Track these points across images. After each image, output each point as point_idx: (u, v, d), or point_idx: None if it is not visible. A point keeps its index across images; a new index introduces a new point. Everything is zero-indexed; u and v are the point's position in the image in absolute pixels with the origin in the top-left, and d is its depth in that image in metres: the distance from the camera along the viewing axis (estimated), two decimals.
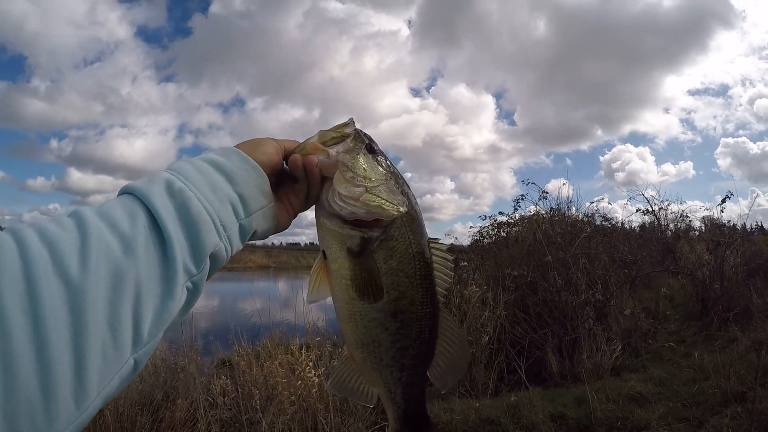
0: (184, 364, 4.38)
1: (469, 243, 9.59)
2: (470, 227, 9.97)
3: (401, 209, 0.77)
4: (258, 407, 3.25)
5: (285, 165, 0.79)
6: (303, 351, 4.01)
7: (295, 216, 0.83)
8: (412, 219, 0.79)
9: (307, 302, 0.84)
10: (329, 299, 0.84)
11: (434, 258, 0.83)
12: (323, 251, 0.80)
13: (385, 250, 0.77)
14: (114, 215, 0.56)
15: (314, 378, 3.38)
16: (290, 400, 3.31)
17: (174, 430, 3.21)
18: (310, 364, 3.57)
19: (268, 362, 3.87)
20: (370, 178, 0.76)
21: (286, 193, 0.80)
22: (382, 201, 0.76)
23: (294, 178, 0.79)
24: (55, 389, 0.43)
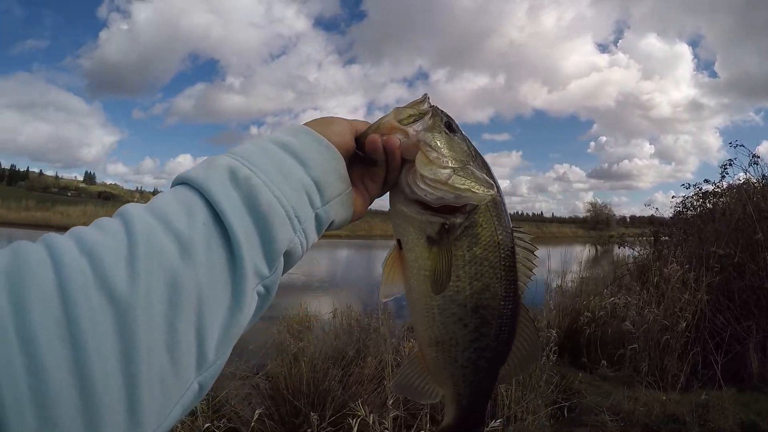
0: (377, 325, 4.74)
1: (671, 215, 8.60)
2: (672, 197, 8.76)
3: (491, 192, 0.72)
4: None
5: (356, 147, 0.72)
6: None
7: (371, 203, 0.76)
8: (497, 204, 0.73)
9: (381, 297, 0.77)
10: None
11: (517, 249, 0.77)
12: (398, 240, 0.75)
13: (469, 237, 0.71)
14: (167, 211, 0.48)
15: None
16: None
17: (361, 385, 3.50)
18: None
19: None
20: (455, 159, 0.71)
21: (360, 177, 0.73)
22: (472, 184, 0.70)
23: (370, 160, 0.71)
24: (103, 428, 0.37)
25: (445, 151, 0.71)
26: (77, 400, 0.36)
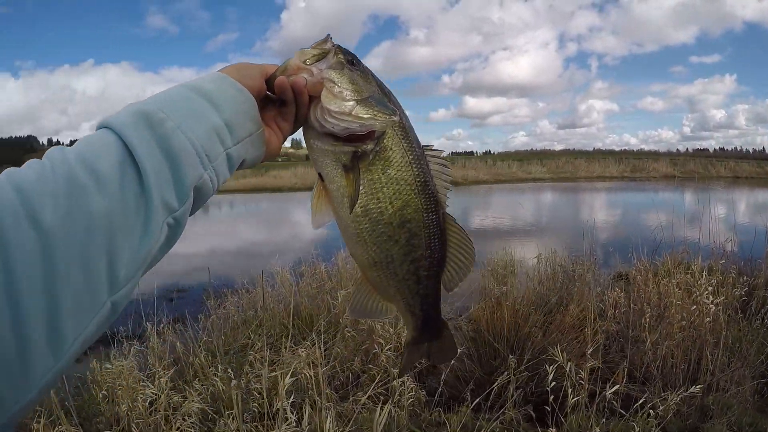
0: (582, 272, 4.57)
1: None
2: None
3: (394, 118, 0.77)
4: (646, 326, 3.23)
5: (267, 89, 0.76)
6: (704, 274, 3.60)
7: (285, 140, 0.81)
8: (404, 127, 0.79)
9: (313, 227, 0.81)
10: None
11: (432, 165, 0.83)
12: (319, 173, 0.79)
13: (381, 161, 0.77)
14: (87, 152, 0.53)
15: (711, 306, 3.07)
16: (680, 324, 3.15)
17: (562, 333, 3.44)
18: (710, 288, 3.22)
19: (665, 280, 3.68)
20: (357, 91, 0.75)
21: (272, 117, 0.78)
22: (374, 112, 0.75)
23: (280, 101, 0.76)
24: (29, 339, 0.43)
25: (347, 84, 0.74)
26: (7, 311, 0.42)
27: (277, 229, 15.73)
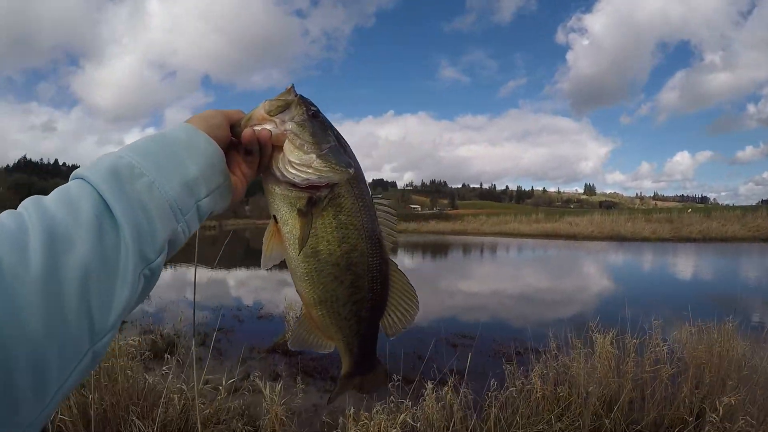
0: None
1: None
2: None
3: (350, 171, 0.82)
4: None
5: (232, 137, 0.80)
6: None
7: (247, 185, 0.84)
8: (356, 178, 0.84)
9: (262, 267, 0.85)
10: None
11: (379, 213, 0.89)
12: (273, 216, 0.84)
13: (333, 207, 0.82)
14: (64, 204, 0.54)
15: None
16: None
17: None
18: None
19: None
20: (317, 144, 0.80)
21: (237, 164, 0.80)
22: (333, 165, 0.80)
23: (245, 150, 0.79)
24: (16, 387, 0.44)
25: (308, 137, 0.79)
26: None
27: (563, 278, 15.57)
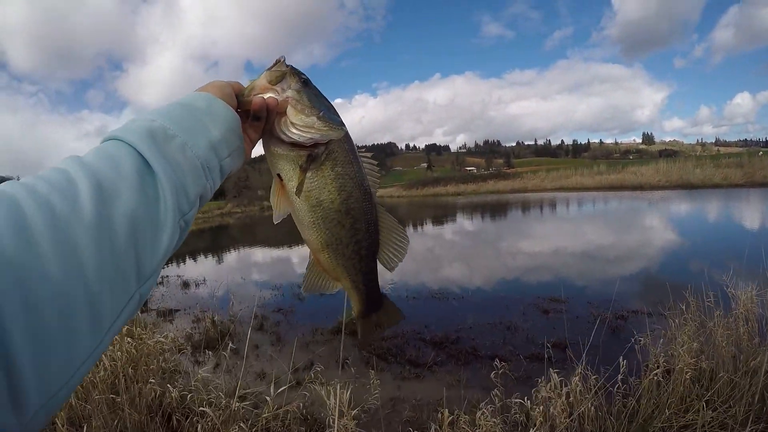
0: None
1: None
2: None
3: (344, 129, 0.92)
4: None
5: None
6: None
7: (253, 148, 0.91)
8: (347, 136, 0.93)
9: (275, 221, 0.94)
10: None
11: (365, 165, 0.97)
12: (278, 174, 0.91)
13: (330, 161, 0.91)
14: (107, 159, 0.59)
15: None
16: None
17: None
18: None
19: None
20: (315, 108, 0.88)
21: (245, 129, 0.86)
22: (331, 125, 0.89)
23: (253, 116, 0.86)
24: (75, 319, 0.48)
25: (307, 102, 0.88)
26: (58, 298, 0.47)
27: (625, 233, 14.50)
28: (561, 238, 14.96)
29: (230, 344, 4.13)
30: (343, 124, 0.92)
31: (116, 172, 0.58)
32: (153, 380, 3.51)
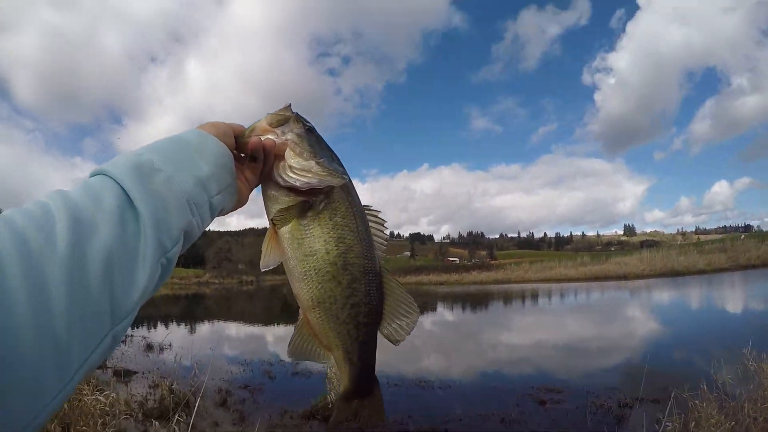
0: None
1: None
2: None
3: (345, 177, 0.88)
4: None
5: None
6: None
7: (251, 191, 0.88)
8: (348, 186, 0.89)
9: (261, 268, 0.88)
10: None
11: (370, 222, 0.92)
12: (271, 220, 0.87)
13: (329, 211, 0.86)
14: (88, 193, 0.57)
15: None
16: None
17: None
18: None
19: None
20: (315, 153, 0.85)
21: (241, 171, 0.85)
22: (330, 171, 0.85)
23: (251, 157, 0.85)
24: (40, 359, 0.44)
25: (307, 146, 0.86)
26: (33, 331, 0.44)
27: (607, 324, 14.19)
28: (549, 329, 14.49)
29: (184, 416, 3.50)
30: (345, 174, 0.89)
31: (96, 206, 0.56)
32: None
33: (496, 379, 7.92)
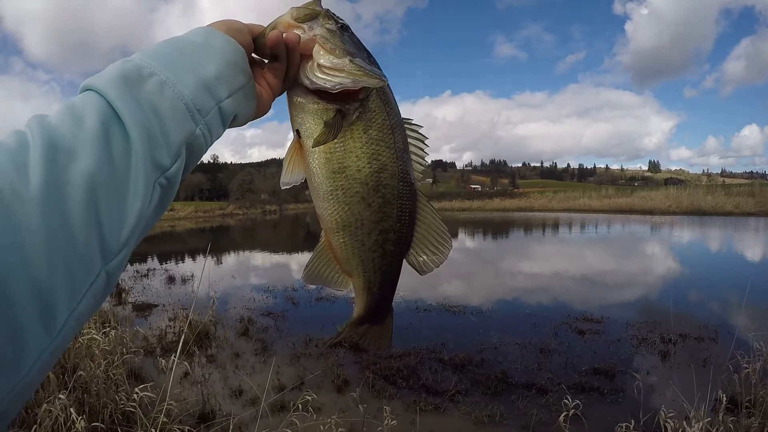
0: None
1: None
2: None
3: (384, 79, 0.74)
4: None
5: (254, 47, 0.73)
6: None
7: (274, 99, 0.76)
8: (387, 94, 0.78)
9: (282, 185, 0.78)
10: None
11: (409, 138, 0.81)
12: (297, 130, 0.77)
13: (364, 121, 0.76)
14: (67, 116, 0.49)
15: None
16: None
17: None
18: None
19: None
20: (349, 51, 0.73)
21: (262, 74, 0.74)
22: (366, 70, 0.72)
23: (272, 56, 0.73)
24: (18, 317, 0.39)
25: (339, 43, 0.73)
26: None
27: (626, 260, 13.55)
28: (581, 260, 13.95)
29: (205, 350, 3.14)
30: (384, 76, 0.74)
31: (77, 127, 0.49)
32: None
33: (533, 307, 7.52)
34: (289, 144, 0.79)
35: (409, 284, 7.72)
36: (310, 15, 0.74)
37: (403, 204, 0.79)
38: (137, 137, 0.51)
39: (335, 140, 0.74)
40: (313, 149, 0.75)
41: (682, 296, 8.02)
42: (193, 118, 0.58)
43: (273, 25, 0.73)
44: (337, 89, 0.72)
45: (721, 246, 16.05)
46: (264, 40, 0.72)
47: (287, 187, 0.79)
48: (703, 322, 6.29)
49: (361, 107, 0.75)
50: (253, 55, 0.73)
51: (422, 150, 0.83)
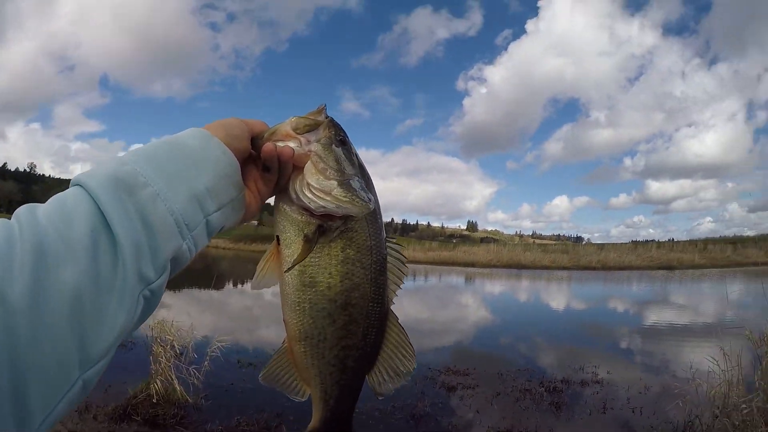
0: None
1: None
2: None
3: (370, 206, 0.75)
4: None
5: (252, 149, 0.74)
6: None
7: (263, 203, 0.77)
8: (374, 214, 0.77)
9: (252, 288, 0.76)
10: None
11: (389, 258, 0.80)
12: (277, 236, 0.77)
13: (344, 240, 0.75)
14: (57, 217, 0.48)
15: None
16: None
17: None
18: None
19: None
20: (342, 172, 0.74)
21: (254, 179, 0.74)
22: (353, 197, 0.73)
23: (263, 166, 0.73)
24: None
25: (332, 163, 0.73)
26: None
27: (442, 309, 13.78)
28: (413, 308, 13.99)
29: None
30: (371, 201, 0.76)
31: (67, 230, 0.48)
32: None
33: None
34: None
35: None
36: (311, 126, 0.75)
37: (370, 323, 0.78)
38: (126, 249, 0.50)
39: (313, 255, 0.73)
40: (288, 259, 0.74)
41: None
42: (181, 233, 0.57)
43: (272, 131, 0.73)
44: (320, 212, 0.72)
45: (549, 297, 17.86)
46: (261, 143, 0.71)
47: (258, 290, 0.77)
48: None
49: (343, 225, 0.75)
50: (252, 152, 0.73)
51: (400, 270, 0.81)
